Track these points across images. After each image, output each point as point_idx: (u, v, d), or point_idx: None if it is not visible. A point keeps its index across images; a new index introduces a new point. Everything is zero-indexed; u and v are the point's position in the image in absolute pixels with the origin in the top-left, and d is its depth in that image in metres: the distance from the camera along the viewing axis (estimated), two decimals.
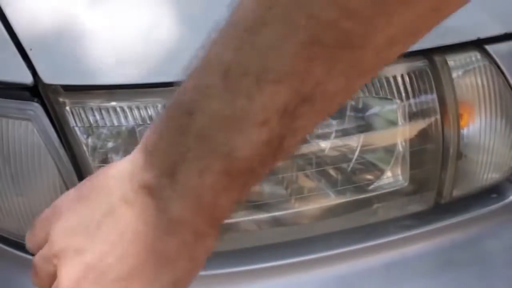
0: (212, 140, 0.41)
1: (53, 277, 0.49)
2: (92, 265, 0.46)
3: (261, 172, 0.42)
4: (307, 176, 0.91)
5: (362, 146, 0.90)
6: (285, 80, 0.39)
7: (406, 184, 0.94)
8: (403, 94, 0.88)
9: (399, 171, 0.93)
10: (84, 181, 0.50)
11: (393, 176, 0.94)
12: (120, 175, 0.46)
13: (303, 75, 0.39)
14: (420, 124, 0.92)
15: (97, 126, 0.84)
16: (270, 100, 0.39)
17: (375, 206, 0.94)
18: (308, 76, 0.39)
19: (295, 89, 0.39)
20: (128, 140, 0.85)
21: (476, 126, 0.95)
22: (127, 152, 0.85)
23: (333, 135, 0.90)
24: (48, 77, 0.82)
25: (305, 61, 0.38)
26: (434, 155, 0.94)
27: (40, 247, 0.51)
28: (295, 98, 0.39)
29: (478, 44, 0.93)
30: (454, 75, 0.92)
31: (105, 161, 0.85)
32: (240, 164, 0.41)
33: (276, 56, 0.39)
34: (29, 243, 0.53)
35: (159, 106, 0.83)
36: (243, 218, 0.90)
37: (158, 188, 0.44)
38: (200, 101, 0.41)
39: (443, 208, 0.98)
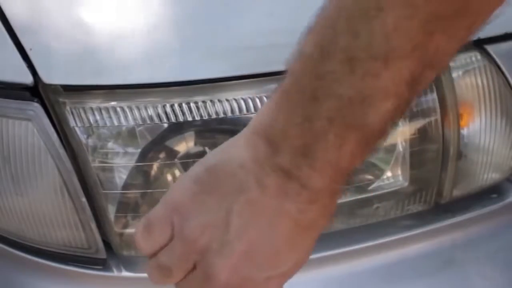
0: (344, 119, 0.44)
1: (188, 273, 0.53)
2: (243, 251, 0.50)
3: (390, 130, 0.46)
4: None
5: None
6: (410, 55, 0.42)
7: (406, 184, 0.94)
8: None
9: (399, 171, 0.93)
10: (198, 175, 0.52)
11: (393, 176, 0.94)
12: (245, 165, 0.49)
13: (426, 47, 0.42)
14: (420, 124, 0.92)
15: (97, 126, 0.84)
16: (397, 74, 0.43)
17: (375, 206, 0.94)
18: (430, 46, 0.42)
19: (419, 60, 0.42)
20: (128, 140, 0.85)
21: (476, 126, 0.95)
22: (127, 152, 0.85)
23: None
24: (48, 77, 0.82)
25: (427, 35, 0.41)
26: (434, 155, 0.94)
27: (160, 247, 0.53)
28: (419, 67, 0.43)
29: (478, 44, 0.93)
30: (454, 75, 0.92)
31: (105, 161, 0.86)
32: (374, 130, 0.45)
33: (400, 37, 0.41)
34: (144, 245, 0.54)
35: (159, 106, 0.83)
36: None
37: (294, 168, 0.47)
38: (324, 87, 0.44)
39: (443, 208, 0.98)
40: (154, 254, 0.54)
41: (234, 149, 0.51)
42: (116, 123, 0.83)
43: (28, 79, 0.82)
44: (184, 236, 0.52)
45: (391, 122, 0.45)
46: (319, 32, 0.44)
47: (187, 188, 0.52)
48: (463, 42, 0.44)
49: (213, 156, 0.53)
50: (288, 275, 0.53)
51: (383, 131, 0.45)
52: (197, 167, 0.53)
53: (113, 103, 0.83)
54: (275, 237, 0.49)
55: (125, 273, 0.90)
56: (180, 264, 0.53)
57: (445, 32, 0.42)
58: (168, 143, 0.86)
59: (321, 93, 0.44)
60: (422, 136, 0.93)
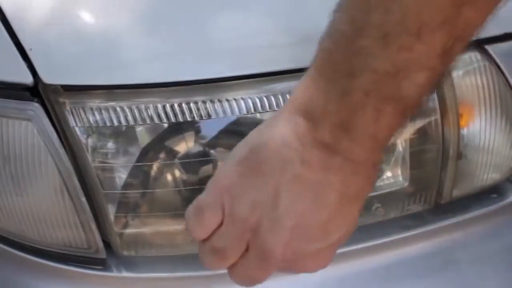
0: (380, 92, 0.46)
1: (242, 255, 0.55)
2: (294, 226, 0.52)
3: (424, 101, 0.48)
4: None
5: None
6: (441, 28, 0.44)
7: (406, 184, 0.94)
8: None
9: (399, 171, 0.93)
10: (243, 156, 0.54)
11: (393, 176, 0.94)
12: (288, 143, 0.51)
13: (456, 20, 0.44)
14: (420, 124, 0.92)
15: (97, 126, 0.84)
16: (430, 47, 0.44)
17: (375, 206, 0.94)
18: (460, 19, 0.44)
19: (450, 33, 0.44)
20: (128, 140, 0.85)
21: (476, 126, 0.95)
22: (127, 152, 0.85)
23: None
24: (48, 77, 0.82)
25: (457, 7, 0.43)
26: (434, 155, 0.94)
27: (211, 232, 0.56)
28: (450, 40, 0.45)
29: (478, 44, 0.93)
30: (454, 75, 0.92)
31: (105, 161, 0.86)
32: (409, 101, 0.47)
33: (431, 11, 0.43)
34: (197, 230, 0.57)
35: (159, 106, 0.83)
36: None
37: (335, 142, 0.49)
38: (359, 62, 0.46)
39: (443, 208, 0.98)
40: (206, 239, 0.57)
41: (275, 128, 0.52)
42: (116, 123, 0.83)
43: (28, 79, 0.82)
44: (235, 216, 0.54)
45: (425, 93, 0.47)
46: (351, 9, 0.46)
47: (234, 170, 0.54)
48: (491, 14, 0.46)
49: (255, 136, 0.54)
50: (338, 244, 0.55)
51: (418, 102, 0.48)
52: (241, 149, 0.55)
53: (113, 103, 0.83)
54: (322, 209, 0.52)
55: (125, 273, 0.90)
56: (234, 245, 0.55)
57: (473, 5, 0.44)
58: (168, 143, 0.86)
59: (357, 68, 0.46)
60: (422, 136, 0.93)
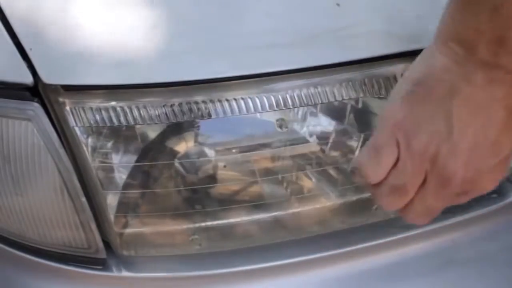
0: None
1: (419, 188, 0.58)
2: (471, 146, 0.55)
3: None
4: (307, 176, 0.91)
5: (362, 146, 0.90)
6: None
7: None
8: None
9: None
10: (408, 90, 0.57)
11: None
12: (450, 69, 0.54)
13: None
14: None
15: (97, 126, 0.84)
16: None
17: (375, 206, 0.94)
18: None
19: None
20: (128, 140, 0.85)
21: None
22: (127, 152, 0.85)
23: (333, 135, 0.90)
24: (48, 77, 0.82)
25: None
26: None
27: (388, 171, 0.58)
28: None
29: None
30: None
31: (105, 161, 0.86)
32: None
33: None
34: (374, 172, 0.59)
35: (159, 106, 0.83)
36: (243, 218, 0.90)
37: (494, 58, 0.52)
38: None
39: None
40: (382, 181, 0.59)
41: (432, 59, 0.56)
42: (116, 123, 0.83)
43: (28, 79, 0.82)
44: (413, 149, 0.57)
45: None
46: None
47: (402, 106, 0.57)
48: None
49: (414, 71, 0.57)
50: (509, 158, 0.58)
51: None
52: (402, 85, 0.58)
53: (113, 103, 0.83)
54: (493, 125, 0.55)
55: (125, 273, 0.90)
56: (414, 179, 0.58)
57: None
58: (168, 143, 0.86)
59: (500, 2, 0.50)
60: None
